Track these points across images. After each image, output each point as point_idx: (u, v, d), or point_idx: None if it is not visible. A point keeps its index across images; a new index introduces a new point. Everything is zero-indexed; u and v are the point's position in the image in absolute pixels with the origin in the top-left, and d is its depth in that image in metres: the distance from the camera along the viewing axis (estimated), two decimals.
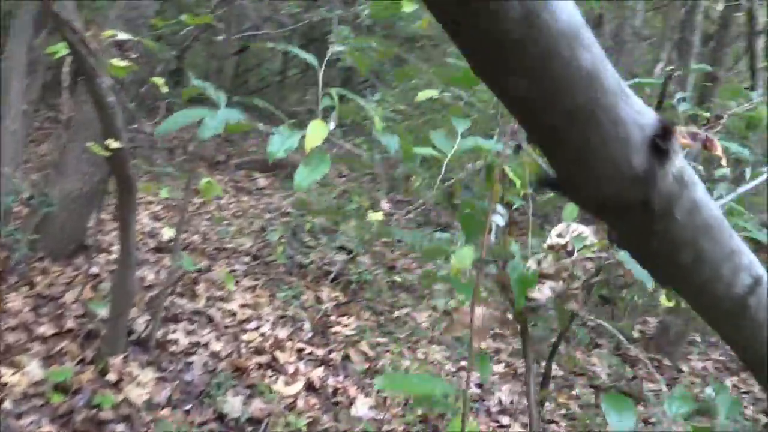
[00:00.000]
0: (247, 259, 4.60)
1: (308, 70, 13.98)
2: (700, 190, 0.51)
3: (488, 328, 1.26)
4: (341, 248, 4.54)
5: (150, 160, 6.19)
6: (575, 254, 1.22)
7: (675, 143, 0.45)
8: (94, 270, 3.91)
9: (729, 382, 4.86)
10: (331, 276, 4.31)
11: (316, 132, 1.15)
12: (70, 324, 3.31)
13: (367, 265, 4.58)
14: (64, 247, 3.93)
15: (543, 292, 1.20)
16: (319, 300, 4.15)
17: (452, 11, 0.37)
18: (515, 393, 3.66)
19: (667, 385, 4.24)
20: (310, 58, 1.48)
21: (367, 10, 7.39)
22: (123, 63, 2.40)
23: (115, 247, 4.13)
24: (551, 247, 1.29)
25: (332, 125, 1.25)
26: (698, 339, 5.26)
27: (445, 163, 1.24)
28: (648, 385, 4.19)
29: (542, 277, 1.22)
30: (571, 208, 1.43)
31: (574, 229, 1.29)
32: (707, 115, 1.66)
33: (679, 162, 0.47)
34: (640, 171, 0.45)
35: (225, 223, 5.28)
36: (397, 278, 4.79)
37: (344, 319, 4.03)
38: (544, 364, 2.11)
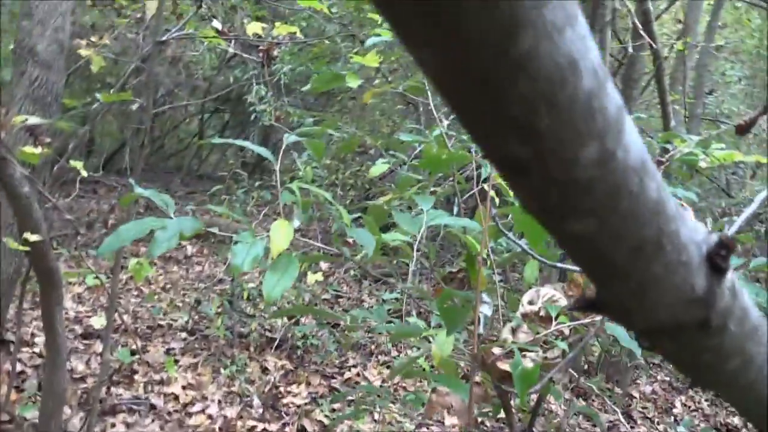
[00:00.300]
0: (183, 335, 4.36)
1: (225, 130, 13.85)
2: (746, 294, 0.46)
3: (472, 407, 1.19)
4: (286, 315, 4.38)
5: (69, 242, 5.85)
6: (552, 321, 1.18)
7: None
8: (17, 368, 3.61)
9: (678, 401, 4.95)
10: (275, 343, 4.14)
11: (281, 234, 1.05)
12: None
13: (311, 327, 4.44)
14: None
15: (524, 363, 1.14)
16: (265, 371, 3.96)
17: (521, 156, 0.30)
18: None
19: (623, 413, 4.26)
20: (264, 151, 1.40)
21: (285, 68, 7.39)
22: (36, 149, 2.24)
23: (39, 339, 3.84)
24: (525, 315, 1.24)
25: (296, 223, 1.16)
26: (642, 361, 5.36)
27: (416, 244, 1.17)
28: (605, 416, 4.20)
29: (521, 350, 1.16)
30: (530, 270, 1.39)
31: (544, 294, 1.24)
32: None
33: (730, 273, 0.42)
34: (700, 292, 0.40)
35: (156, 298, 5.03)
36: (342, 340, 4.66)
37: (294, 388, 3.86)
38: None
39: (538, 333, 1.16)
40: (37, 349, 3.71)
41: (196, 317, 4.65)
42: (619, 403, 4.35)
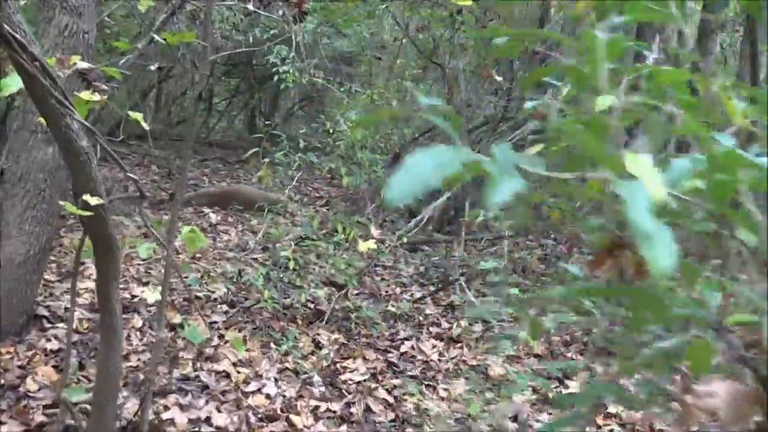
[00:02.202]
0: (224, 308, 4.08)
1: (234, 96, 13.41)
2: None
3: (745, 413, 0.90)
4: (331, 283, 4.09)
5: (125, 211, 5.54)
6: None
7: None
8: (53, 345, 3.33)
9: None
10: (324, 317, 3.86)
11: None
12: (39, 418, 2.74)
13: (360, 298, 4.16)
14: (13, 321, 3.33)
15: None
16: (318, 345, 3.69)
17: None
18: None
19: None
20: None
21: (308, 26, 7.00)
22: (93, 96, 1.92)
23: (76, 314, 3.55)
24: None
25: None
26: None
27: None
28: None
29: None
30: None
31: None
32: None
33: None
34: None
35: (191, 268, 4.74)
36: (391, 308, 4.38)
37: (350, 364, 3.59)
38: None
39: None
40: (74, 326, 3.42)
41: (234, 288, 4.37)
42: None
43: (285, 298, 3.96)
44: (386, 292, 4.80)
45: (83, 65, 2.01)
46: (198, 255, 5.26)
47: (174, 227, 2.64)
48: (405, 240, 4.28)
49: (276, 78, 6.71)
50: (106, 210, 2.00)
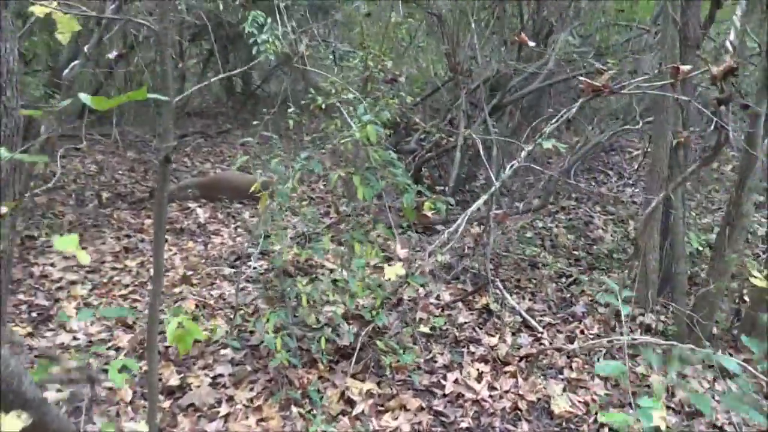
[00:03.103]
0: (227, 352, 3.43)
1: (207, 62, 12.40)
2: None
3: None
4: (353, 317, 3.43)
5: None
6: None
7: None
8: None
9: None
10: (352, 359, 3.22)
11: None
12: None
13: (390, 325, 3.51)
14: None
15: None
16: (348, 401, 3.06)
17: None
18: None
19: None
20: None
21: None
22: None
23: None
24: None
25: None
26: None
27: None
28: None
29: None
30: None
31: None
32: None
33: None
34: None
35: (178, 293, 4.07)
36: (423, 328, 3.75)
37: (389, 420, 2.97)
38: None
39: None
40: None
41: (238, 316, 3.71)
42: None
43: (299, 340, 3.30)
44: (408, 297, 4.16)
45: None
46: (189, 272, 4.57)
47: (160, 251, 1.90)
48: (439, 259, 3.61)
49: (255, 50, 5.88)
50: None
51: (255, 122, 8.91)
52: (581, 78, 3.20)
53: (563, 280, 4.82)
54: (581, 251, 5.47)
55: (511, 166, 3.34)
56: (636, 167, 8.34)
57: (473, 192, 6.83)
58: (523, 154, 3.39)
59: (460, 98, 6.29)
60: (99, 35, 3.45)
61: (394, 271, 3.09)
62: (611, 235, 5.83)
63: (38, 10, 1.60)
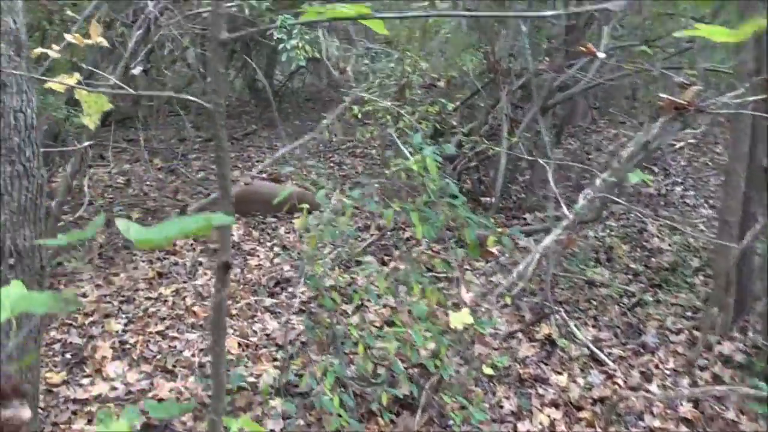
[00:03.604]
0: (277, 404, 3.16)
1: (233, 54, 12.10)
2: None
3: None
4: (415, 366, 3.14)
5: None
6: None
7: None
8: None
9: None
10: (417, 413, 2.93)
11: None
12: None
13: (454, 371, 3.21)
14: None
15: None
16: None
17: None
18: None
19: None
20: None
21: None
22: None
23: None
24: None
25: None
26: None
27: None
28: None
29: None
30: None
31: None
32: None
33: None
34: None
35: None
36: (487, 369, 3.45)
37: None
38: None
39: None
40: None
41: (284, 359, 3.44)
42: None
43: (357, 397, 3.02)
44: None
45: None
46: (228, 302, 4.31)
47: (221, 362, 1.59)
48: (509, 302, 3.30)
49: (284, 56, 5.58)
50: None
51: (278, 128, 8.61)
52: (662, 95, 2.85)
53: (625, 300, 4.49)
54: (639, 264, 5.13)
55: (586, 196, 3.02)
56: (684, 163, 7.93)
57: (518, 197, 6.49)
58: (598, 182, 3.06)
59: (501, 100, 5.94)
60: (125, 64, 3.17)
61: (460, 319, 2.80)
62: (669, 245, 5.46)
63: (57, 87, 1.31)
